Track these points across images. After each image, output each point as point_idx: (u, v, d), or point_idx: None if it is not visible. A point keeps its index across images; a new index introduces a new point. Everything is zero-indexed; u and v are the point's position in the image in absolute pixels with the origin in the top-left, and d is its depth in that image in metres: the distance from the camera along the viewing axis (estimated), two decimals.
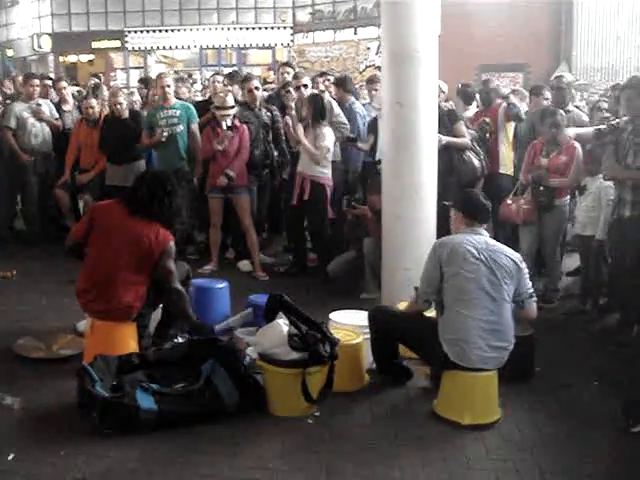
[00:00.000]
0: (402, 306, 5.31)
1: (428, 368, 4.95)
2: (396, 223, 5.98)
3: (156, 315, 5.28)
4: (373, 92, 8.40)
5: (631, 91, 5.76)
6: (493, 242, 4.60)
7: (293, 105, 7.49)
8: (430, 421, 4.42)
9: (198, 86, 12.25)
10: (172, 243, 4.93)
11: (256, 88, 7.93)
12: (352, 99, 8.26)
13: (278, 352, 4.43)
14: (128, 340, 4.88)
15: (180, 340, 5.19)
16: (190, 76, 13.32)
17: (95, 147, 8.30)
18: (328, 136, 7.21)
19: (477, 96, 8.32)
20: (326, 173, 7.30)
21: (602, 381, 4.99)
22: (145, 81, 10.61)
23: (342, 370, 4.56)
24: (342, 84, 8.43)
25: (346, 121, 7.69)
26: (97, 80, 11.79)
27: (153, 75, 12.12)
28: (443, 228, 5.45)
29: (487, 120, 7.54)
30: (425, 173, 5.92)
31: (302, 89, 7.85)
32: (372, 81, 8.50)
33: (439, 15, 5.99)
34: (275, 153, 7.96)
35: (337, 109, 7.76)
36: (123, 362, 4.51)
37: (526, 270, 4.57)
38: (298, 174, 7.33)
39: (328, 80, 8.79)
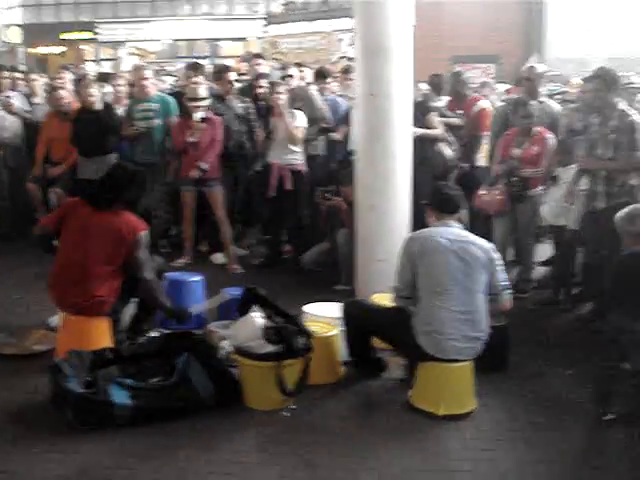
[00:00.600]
0: (376, 298, 5.32)
1: (403, 359, 4.97)
2: (370, 214, 5.99)
3: (130, 309, 5.24)
4: (347, 83, 8.38)
5: (598, 82, 5.79)
6: (465, 233, 4.61)
7: (282, 89, 7.37)
8: (406, 412, 4.44)
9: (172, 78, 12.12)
10: (144, 232, 4.88)
11: (231, 82, 7.93)
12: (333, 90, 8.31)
13: (253, 345, 4.42)
14: (102, 335, 4.83)
15: (154, 334, 5.15)
16: (163, 68, 13.16)
17: (66, 140, 8.19)
18: (300, 118, 7.27)
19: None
20: (301, 159, 7.35)
21: (575, 370, 5.04)
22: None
23: (317, 362, 4.56)
24: (322, 75, 8.43)
25: (328, 116, 7.69)
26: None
27: (125, 67, 12.01)
28: (418, 219, 5.46)
29: (460, 112, 7.59)
30: (399, 163, 5.94)
31: (288, 79, 7.84)
32: (347, 72, 8.49)
33: (413, 6, 5.97)
34: (248, 145, 7.93)
35: (319, 102, 7.76)
36: (97, 357, 4.47)
37: (499, 261, 4.59)
38: (273, 165, 7.31)
39: (302, 71, 8.77)
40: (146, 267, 4.88)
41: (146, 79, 7.88)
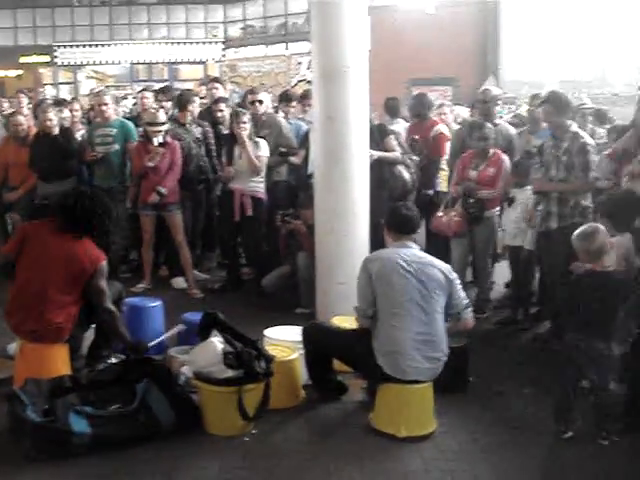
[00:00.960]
0: (337, 321, 5.33)
1: (363, 382, 4.98)
2: (329, 237, 6.02)
3: (89, 336, 5.19)
4: (307, 107, 8.43)
5: (549, 106, 5.90)
6: (422, 254, 4.67)
7: (246, 119, 7.31)
8: (367, 435, 4.45)
9: (130, 102, 12.11)
10: (104, 262, 4.87)
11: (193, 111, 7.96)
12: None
13: (213, 370, 4.40)
14: (60, 362, 4.78)
15: (113, 361, 5.11)
16: (124, 97, 13.11)
17: (24, 165, 8.12)
18: (263, 147, 7.29)
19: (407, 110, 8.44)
20: (262, 188, 7.36)
21: (535, 389, 5.10)
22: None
23: (278, 387, 4.56)
24: (287, 99, 8.47)
25: (294, 144, 7.72)
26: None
27: (84, 90, 11.98)
28: (376, 242, 5.50)
29: (416, 137, 7.66)
30: (357, 187, 5.99)
31: (257, 104, 7.81)
32: (305, 97, 8.54)
33: (368, 30, 6.05)
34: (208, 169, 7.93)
35: (286, 130, 7.81)
36: (55, 385, 4.41)
37: (457, 281, 4.64)
38: (236, 190, 7.31)
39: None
40: (106, 297, 4.86)
41: (106, 104, 7.86)
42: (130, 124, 8.02)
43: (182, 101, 8.09)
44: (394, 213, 4.80)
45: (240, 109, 7.80)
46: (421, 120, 7.89)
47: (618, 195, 5.27)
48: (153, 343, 5.30)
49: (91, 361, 5.09)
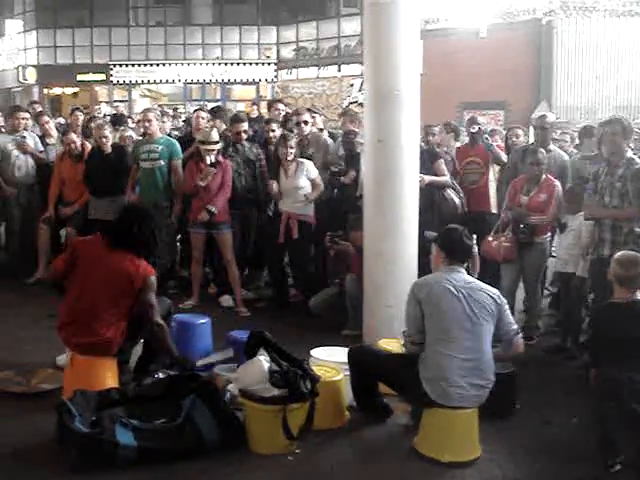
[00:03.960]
0: (383, 343, 5.32)
1: (408, 405, 4.95)
2: (377, 260, 6.02)
3: (137, 350, 5.26)
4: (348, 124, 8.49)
5: (616, 127, 5.82)
6: (471, 279, 4.63)
7: (293, 144, 7.35)
8: (410, 458, 4.42)
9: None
10: (153, 277, 4.95)
11: (244, 131, 7.97)
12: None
13: (259, 389, 4.42)
14: (108, 375, 4.85)
15: (161, 376, 5.16)
16: (175, 110, 13.33)
17: (79, 181, 8.30)
18: (312, 169, 7.35)
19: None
20: (311, 210, 7.41)
21: (581, 418, 5.01)
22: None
23: (323, 407, 4.55)
24: (346, 114, 8.58)
25: (339, 161, 7.72)
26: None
27: (138, 108, 12.22)
28: (424, 265, 5.48)
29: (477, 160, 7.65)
30: (407, 209, 5.98)
31: (302, 125, 7.88)
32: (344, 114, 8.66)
33: (421, 54, 6.06)
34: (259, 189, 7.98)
35: (332, 149, 7.84)
36: (103, 397, 4.48)
37: (507, 306, 4.60)
38: (284, 213, 7.37)
39: (313, 117, 8.74)
40: (155, 311, 4.92)
41: (150, 121, 7.97)
42: (175, 142, 8.14)
43: (231, 120, 8.17)
44: (453, 238, 4.69)
45: (288, 132, 7.87)
46: (473, 144, 7.85)
47: None
48: (201, 362, 5.36)
49: (139, 375, 5.14)
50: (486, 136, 7.78)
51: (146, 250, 5.02)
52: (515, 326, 4.63)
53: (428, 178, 6.75)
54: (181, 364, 4.97)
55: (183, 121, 11.24)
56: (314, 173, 7.34)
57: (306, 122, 7.89)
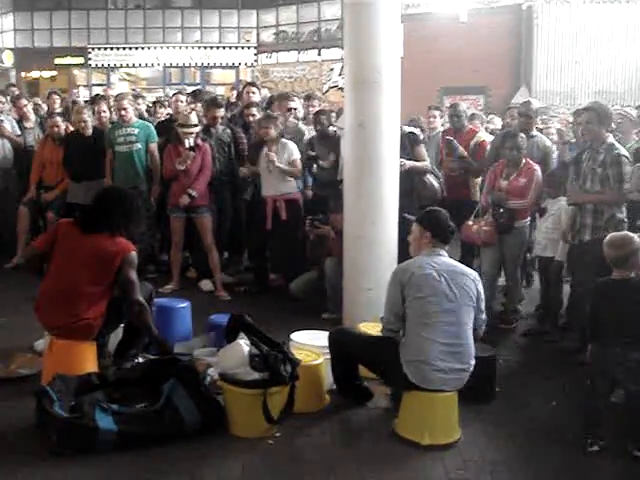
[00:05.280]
0: (363, 327, 5.33)
1: (388, 388, 4.97)
2: (357, 243, 6.02)
3: (117, 334, 5.24)
4: (310, 108, 8.58)
5: (591, 115, 5.84)
6: (453, 263, 4.64)
7: (271, 131, 7.31)
8: (390, 441, 4.43)
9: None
10: (134, 252, 4.90)
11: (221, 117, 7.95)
12: None
13: (239, 372, 4.42)
14: (87, 360, 4.83)
15: (140, 360, 5.15)
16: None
17: (59, 164, 8.23)
18: (294, 150, 7.35)
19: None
20: (295, 188, 7.44)
21: (561, 401, 5.06)
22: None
23: (303, 391, 4.56)
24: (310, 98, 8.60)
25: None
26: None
27: (117, 92, 12.13)
28: (404, 249, 5.48)
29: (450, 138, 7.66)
30: (387, 194, 5.98)
31: (293, 112, 7.89)
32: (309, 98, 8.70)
33: (401, 38, 6.04)
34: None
35: (308, 136, 7.84)
36: (82, 382, 4.46)
37: (482, 295, 4.62)
38: (268, 198, 7.35)
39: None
40: (135, 287, 4.87)
41: (126, 109, 7.92)
42: (151, 125, 8.13)
43: (208, 104, 8.14)
44: (439, 220, 4.68)
45: (270, 112, 7.85)
46: (457, 130, 7.85)
47: None
48: (179, 348, 5.35)
49: (118, 360, 5.13)
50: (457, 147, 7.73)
51: (126, 232, 4.98)
52: (484, 316, 4.66)
53: (409, 163, 6.74)
54: (160, 344, 4.95)
55: (153, 103, 11.12)
56: (296, 155, 7.33)
57: (295, 109, 7.90)
